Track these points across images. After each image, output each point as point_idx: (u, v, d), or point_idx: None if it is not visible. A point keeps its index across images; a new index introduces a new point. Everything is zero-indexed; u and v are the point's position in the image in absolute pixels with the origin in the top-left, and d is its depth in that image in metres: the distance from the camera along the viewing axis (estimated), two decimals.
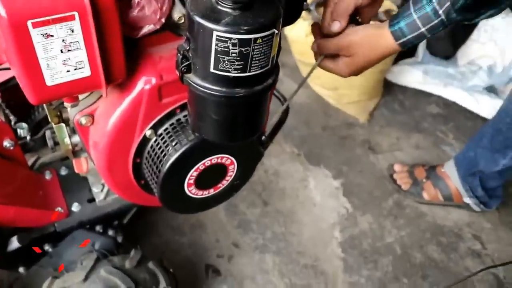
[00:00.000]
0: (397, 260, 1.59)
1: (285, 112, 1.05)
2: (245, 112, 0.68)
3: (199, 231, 1.59)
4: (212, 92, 0.63)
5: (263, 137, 0.90)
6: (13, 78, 1.22)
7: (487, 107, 2.07)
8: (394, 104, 2.16)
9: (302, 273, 1.53)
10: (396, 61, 2.22)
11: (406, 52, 2.07)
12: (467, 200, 1.71)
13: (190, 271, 1.48)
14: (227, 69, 0.59)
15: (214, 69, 0.60)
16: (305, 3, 0.87)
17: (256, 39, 0.57)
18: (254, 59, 0.59)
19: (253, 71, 0.61)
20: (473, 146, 1.64)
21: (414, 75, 2.24)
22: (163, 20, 0.72)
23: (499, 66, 2.17)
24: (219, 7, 0.58)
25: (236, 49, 0.57)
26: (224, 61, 0.59)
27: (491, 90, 2.17)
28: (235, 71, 0.60)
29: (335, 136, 1.99)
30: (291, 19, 0.84)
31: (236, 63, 0.59)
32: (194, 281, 1.46)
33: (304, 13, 2.01)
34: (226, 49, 0.57)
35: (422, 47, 2.28)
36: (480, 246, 1.67)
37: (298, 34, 2.01)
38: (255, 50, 0.58)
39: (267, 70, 0.63)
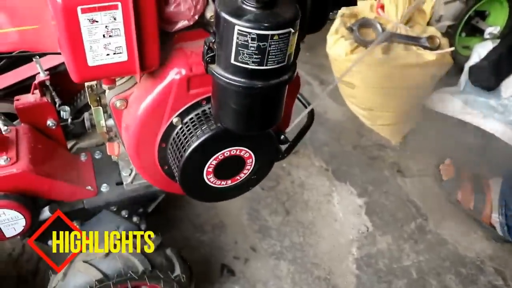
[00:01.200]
0: (411, 284, 1.59)
1: (310, 117, 1.09)
2: (261, 103, 0.74)
3: (219, 231, 1.65)
4: (232, 82, 0.69)
5: (282, 136, 0.95)
6: (62, 64, 1.33)
7: None
8: (430, 131, 2.17)
9: (314, 284, 1.55)
10: (437, 88, 2.23)
11: (448, 80, 2.09)
12: (495, 218, 1.68)
13: (205, 268, 1.54)
14: (246, 61, 0.65)
15: (234, 60, 0.66)
16: (331, 12, 0.91)
17: (273, 35, 0.63)
18: (270, 54, 0.65)
19: (269, 65, 0.66)
20: None
21: (454, 104, 2.25)
22: (196, 17, 0.79)
23: None
24: (243, 5, 0.64)
25: (254, 43, 0.63)
26: (243, 54, 0.65)
27: None
28: (253, 64, 0.66)
29: (365, 155, 2.02)
30: (316, 26, 0.88)
31: (254, 56, 0.65)
32: (208, 277, 1.52)
33: (346, 32, 2.07)
34: (245, 43, 0.63)
35: (464, 76, 2.29)
36: (502, 282, 1.65)
37: (339, 53, 2.06)
38: (272, 46, 0.64)
39: (283, 66, 0.68)
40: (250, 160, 0.94)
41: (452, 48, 2.06)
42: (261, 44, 0.63)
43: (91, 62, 0.76)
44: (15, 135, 1.13)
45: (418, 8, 2.25)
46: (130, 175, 1.20)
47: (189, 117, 0.88)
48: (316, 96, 2.31)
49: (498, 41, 2.33)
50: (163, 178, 1.02)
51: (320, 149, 2.00)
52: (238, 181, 0.98)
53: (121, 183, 1.21)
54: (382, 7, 2.14)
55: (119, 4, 0.71)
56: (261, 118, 0.77)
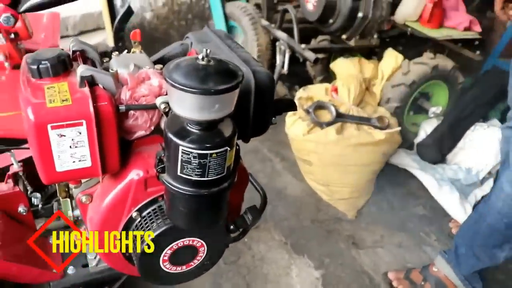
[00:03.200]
0: None
1: (263, 202, 1.20)
2: (205, 207, 0.86)
3: None
4: (179, 190, 0.81)
5: (231, 226, 1.07)
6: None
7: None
8: (383, 203, 2.31)
9: None
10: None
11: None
12: None
13: None
14: (190, 174, 0.78)
15: (180, 173, 0.79)
16: (273, 119, 1.04)
17: (211, 154, 0.76)
18: (211, 168, 0.78)
19: (210, 177, 0.79)
20: (464, 244, 1.73)
21: (410, 161, 2.42)
22: (152, 128, 0.92)
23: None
24: (187, 127, 0.77)
25: (196, 160, 0.76)
26: (187, 168, 0.77)
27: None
28: (196, 176, 0.78)
29: (322, 229, 2.14)
30: (259, 132, 1.02)
31: (197, 170, 0.77)
32: None
33: (303, 114, 2.24)
34: (188, 159, 0.76)
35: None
36: None
37: (296, 132, 2.22)
38: (212, 162, 0.77)
39: (223, 176, 0.81)
40: (203, 248, 1.05)
41: (399, 128, 2.25)
42: (201, 160, 0.76)
43: (59, 168, 0.88)
44: None
45: (369, 91, 2.46)
46: (95, 258, 1.28)
47: (147, 211, 0.99)
48: (277, 172, 2.45)
49: (442, 118, 2.54)
50: (123, 263, 1.11)
51: (280, 224, 2.11)
52: (192, 266, 1.08)
53: (87, 265, 1.30)
54: (336, 90, 2.34)
55: (84, 121, 0.84)
56: (206, 218, 0.89)
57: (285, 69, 2.48)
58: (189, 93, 0.69)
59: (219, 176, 0.80)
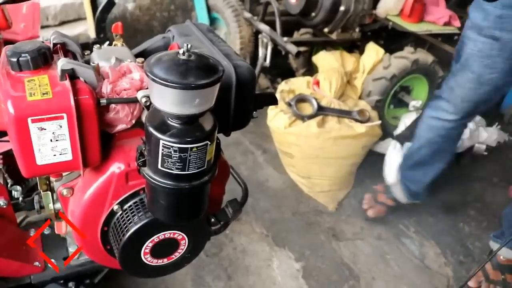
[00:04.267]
0: None
1: (244, 195, 1.22)
2: (186, 200, 0.87)
3: None
4: (160, 184, 0.82)
5: (212, 219, 1.08)
6: None
7: None
8: (363, 196, 2.35)
9: None
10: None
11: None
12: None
13: None
14: (171, 167, 0.79)
15: (161, 166, 0.79)
16: (254, 112, 1.05)
17: (192, 148, 0.77)
18: (191, 162, 0.78)
19: (191, 171, 0.80)
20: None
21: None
22: (133, 122, 0.92)
23: None
24: (168, 121, 0.78)
25: (177, 154, 0.77)
26: (168, 162, 0.78)
27: None
28: (177, 170, 0.79)
29: (303, 221, 2.16)
30: (240, 125, 1.03)
31: (177, 164, 0.78)
32: None
33: (285, 107, 2.25)
34: (169, 153, 0.77)
35: None
36: None
37: (278, 125, 2.24)
38: (192, 156, 0.78)
39: (203, 170, 0.82)
40: (184, 241, 1.06)
41: (379, 122, 2.27)
42: (182, 154, 0.77)
43: (39, 162, 0.88)
44: None
45: (350, 84, 2.48)
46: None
47: (128, 204, 0.99)
48: (259, 165, 2.47)
49: (421, 111, 2.58)
50: (105, 256, 1.12)
51: (261, 216, 2.13)
52: (174, 259, 1.09)
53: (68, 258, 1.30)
54: (318, 83, 2.36)
55: (65, 115, 0.84)
56: (187, 211, 0.90)
57: (267, 62, 2.49)
58: (169, 87, 0.70)
59: (199, 169, 0.81)
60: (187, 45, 0.73)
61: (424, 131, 2.00)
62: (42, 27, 2.81)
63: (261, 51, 2.53)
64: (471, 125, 2.40)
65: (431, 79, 2.70)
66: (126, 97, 0.90)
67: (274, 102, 1.10)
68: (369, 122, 2.29)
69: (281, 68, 3.14)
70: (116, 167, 0.96)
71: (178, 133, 0.77)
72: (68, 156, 0.89)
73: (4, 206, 1.29)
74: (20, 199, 1.33)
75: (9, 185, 1.31)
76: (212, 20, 3.21)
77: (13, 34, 2.24)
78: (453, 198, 2.42)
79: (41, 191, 1.14)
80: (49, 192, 1.13)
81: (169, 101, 0.72)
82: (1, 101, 0.84)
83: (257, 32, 2.77)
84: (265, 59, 2.49)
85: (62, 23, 3.31)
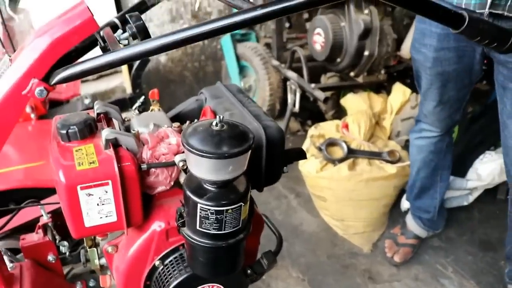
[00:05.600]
0: None
1: (279, 244, 1.27)
2: (223, 257, 0.92)
3: None
4: (198, 243, 0.88)
5: (248, 271, 1.13)
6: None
7: None
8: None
9: None
10: None
11: None
12: None
13: None
14: (208, 228, 0.85)
15: (199, 227, 0.86)
16: (284, 168, 1.11)
17: (227, 210, 0.83)
18: (227, 222, 0.85)
19: (227, 230, 0.86)
20: None
21: None
22: (172, 183, 0.99)
23: None
24: (204, 185, 0.85)
25: (213, 216, 0.83)
26: (205, 223, 0.84)
27: None
28: (214, 230, 0.85)
29: (339, 264, 2.18)
30: (271, 181, 1.09)
31: (214, 224, 0.84)
32: None
33: (315, 151, 2.30)
34: (206, 215, 0.83)
35: None
36: None
37: (310, 170, 2.28)
38: (227, 217, 0.84)
39: (238, 228, 0.88)
40: None
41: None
42: (218, 216, 0.83)
43: (87, 224, 0.95)
44: (19, 271, 1.30)
45: (379, 125, 2.52)
46: None
47: (169, 260, 1.05)
48: (292, 209, 2.51)
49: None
50: None
51: (297, 260, 2.16)
52: None
53: None
54: (347, 126, 2.40)
55: (110, 181, 0.91)
56: (224, 267, 0.95)
57: (297, 108, 2.56)
58: (205, 157, 0.77)
59: (235, 228, 0.87)
60: (220, 117, 0.81)
61: (415, 154, 2.11)
62: (82, 81, 2.97)
63: (290, 97, 2.61)
64: (501, 160, 2.39)
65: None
66: (165, 162, 0.97)
67: (303, 157, 1.16)
68: (400, 163, 2.31)
69: (310, 111, 3.21)
70: (157, 225, 1.02)
71: (214, 196, 0.83)
72: (113, 218, 0.96)
73: (53, 261, 1.37)
74: (67, 253, 1.41)
75: (57, 241, 1.39)
76: (242, 68, 3.33)
77: (57, 93, 2.40)
78: (491, 235, 2.39)
79: (87, 247, 1.22)
80: (94, 249, 1.21)
81: (205, 169, 0.79)
82: (53, 171, 0.93)
83: (285, 78, 2.86)
84: (294, 105, 2.57)
85: (100, 77, 3.49)
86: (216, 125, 0.80)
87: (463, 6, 1.47)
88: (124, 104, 2.44)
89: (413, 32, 1.85)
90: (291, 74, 2.64)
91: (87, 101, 2.27)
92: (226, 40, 3.32)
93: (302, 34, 3.58)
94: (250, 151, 0.81)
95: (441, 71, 1.77)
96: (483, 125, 2.63)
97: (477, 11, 1.45)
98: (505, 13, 1.42)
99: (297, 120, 3.33)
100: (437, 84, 1.82)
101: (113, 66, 0.89)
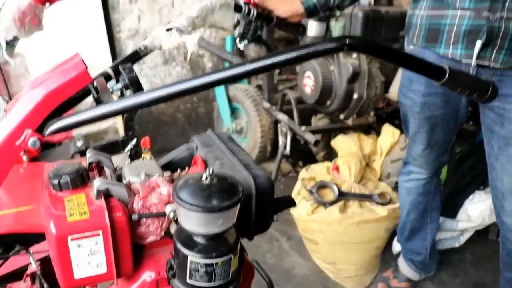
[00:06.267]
0: None
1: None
2: None
3: None
4: None
5: None
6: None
7: None
8: (389, 279, 2.33)
9: None
10: None
11: None
12: None
13: None
14: (198, 280, 0.85)
15: (189, 279, 0.86)
16: (275, 216, 1.12)
17: (217, 262, 0.83)
18: (217, 274, 0.85)
19: (217, 282, 0.86)
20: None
21: None
22: (162, 233, 1.00)
23: None
24: (194, 237, 0.85)
25: (203, 268, 0.83)
26: (195, 275, 0.84)
27: None
28: (204, 282, 0.85)
29: None
30: (261, 229, 1.09)
31: (204, 277, 0.84)
32: None
33: (306, 194, 2.31)
34: (196, 268, 0.83)
35: None
36: None
37: (301, 213, 2.29)
38: (217, 269, 0.84)
39: (228, 280, 0.88)
40: None
41: None
42: (208, 269, 0.83)
43: (77, 276, 0.95)
44: None
45: (369, 166, 2.54)
46: None
47: None
48: (284, 252, 2.49)
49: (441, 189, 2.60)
50: None
51: None
52: None
53: None
54: (337, 169, 2.42)
55: (100, 231, 0.92)
56: None
57: (288, 150, 2.59)
58: (195, 211, 0.77)
59: (225, 280, 0.87)
60: (210, 170, 0.82)
61: (404, 197, 2.13)
62: None
63: (281, 140, 2.63)
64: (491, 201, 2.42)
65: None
66: (156, 212, 0.98)
67: (293, 205, 1.17)
68: (391, 204, 2.32)
69: (302, 152, 3.24)
70: (147, 276, 1.02)
71: (204, 249, 0.84)
72: (103, 269, 0.96)
73: None
74: None
75: None
76: (233, 110, 3.37)
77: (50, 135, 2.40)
78: (484, 277, 2.39)
79: None
80: None
81: (194, 222, 0.80)
82: (44, 220, 0.93)
83: (276, 120, 2.90)
84: (285, 147, 2.60)
85: None
86: (206, 178, 0.81)
87: (449, 56, 1.52)
88: (116, 147, 2.45)
89: (400, 77, 1.90)
90: (281, 116, 2.67)
91: (79, 143, 2.27)
92: None
93: (292, 75, 3.65)
94: (239, 204, 0.82)
95: (429, 115, 1.80)
96: (471, 165, 2.66)
97: (463, 61, 1.50)
98: (491, 64, 1.46)
99: (289, 161, 3.35)
100: (425, 128, 1.86)
101: (105, 117, 0.91)
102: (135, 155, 2.43)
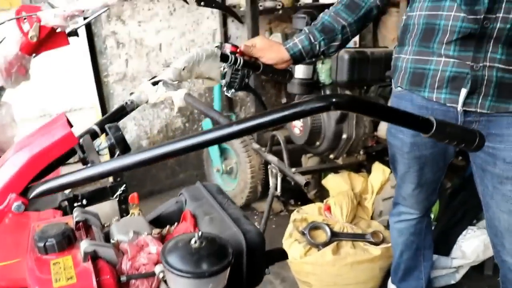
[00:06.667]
0: None
1: None
2: None
3: None
4: None
5: None
6: None
7: None
8: None
9: None
10: None
11: None
12: None
13: None
14: None
15: None
16: (266, 269, 1.11)
17: None
18: None
19: None
20: None
21: None
22: None
23: None
24: None
25: None
26: None
27: None
28: None
29: None
30: (253, 284, 1.07)
31: None
32: None
33: (299, 236, 2.29)
34: None
35: None
36: None
37: (294, 255, 2.26)
38: None
39: None
40: None
41: None
42: None
43: None
44: None
45: (361, 205, 2.53)
46: None
47: None
48: None
49: (434, 224, 2.60)
50: None
51: None
52: None
53: None
54: (329, 209, 2.41)
55: None
56: None
57: (278, 191, 2.56)
58: (184, 277, 0.76)
59: None
60: (198, 234, 0.81)
61: (396, 237, 2.12)
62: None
63: (271, 181, 2.62)
64: (485, 237, 2.41)
65: (440, 191, 2.74)
66: (145, 273, 0.96)
67: (285, 257, 1.16)
68: (384, 244, 2.31)
69: (293, 191, 3.22)
70: None
71: None
72: None
73: None
74: None
75: None
76: (223, 151, 3.36)
77: None
78: None
79: None
80: None
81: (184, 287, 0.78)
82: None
83: (266, 161, 2.89)
84: (276, 189, 2.58)
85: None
86: (195, 242, 0.80)
87: (434, 100, 1.54)
88: (105, 193, 2.42)
89: None
90: (271, 158, 2.66)
91: (67, 191, 2.24)
92: (207, 123, 3.38)
93: None
94: (229, 267, 0.80)
95: (418, 155, 1.81)
96: (462, 200, 2.66)
97: (448, 104, 1.51)
98: (478, 110, 1.48)
99: (280, 200, 3.33)
100: (415, 168, 1.86)
101: (91, 180, 0.90)
102: (124, 201, 2.40)
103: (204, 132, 0.81)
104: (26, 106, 2.98)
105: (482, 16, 1.38)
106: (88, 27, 3.10)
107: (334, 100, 0.79)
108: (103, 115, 3.31)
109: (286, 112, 0.77)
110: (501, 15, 1.36)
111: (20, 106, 2.14)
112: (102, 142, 1.07)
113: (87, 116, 3.53)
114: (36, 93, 2.95)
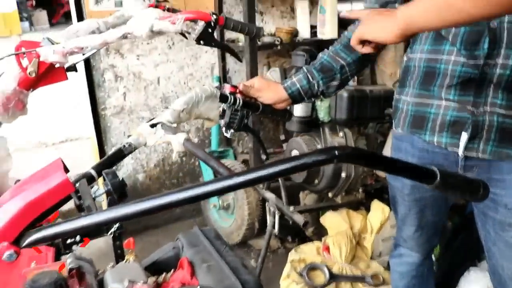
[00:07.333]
0: None
1: None
2: None
3: None
4: None
5: None
6: None
7: None
8: None
9: None
10: None
11: None
12: None
13: None
14: None
15: None
16: None
17: None
18: None
19: None
20: None
21: None
22: None
23: None
24: None
25: None
26: None
27: None
28: None
29: None
30: None
31: None
32: None
33: (296, 277, 2.24)
34: None
35: None
36: None
37: None
38: None
39: None
40: None
41: None
42: None
43: None
44: None
45: (360, 244, 2.50)
46: None
47: None
48: None
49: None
50: None
51: None
52: None
53: None
54: (328, 249, 2.37)
55: None
56: None
57: (276, 230, 2.53)
58: None
59: None
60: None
61: (397, 281, 2.06)
62: None
63: (269, 219, 2.59)
64: (487, 280, 2.36)
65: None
66: None
67: None
68: (384, 286, 2.26)
69: (290, 228, 3.17)
70: None
71: None
72: None
73: None
74: None
75: None
76: None
77: None
78: None
79: None
80: None
81: None
82: None
83: (264, 198, 2.86)
84: (273, 227, 2.54)
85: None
86: None
87: (435, 144, 1.52)
88: (100, 229, 2.39)
89: (390, 154, 1.89)
90: (269, 195, 2.64)
91: None
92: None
93: (279, 148, 3.66)
94: None
95: (419, 197, 1.78)
96: (464, 240, 2.62)
97: (449, 148, 1.50)
98: (480, 156, 1.46)
99: (277, 237, 3.28)
100: (415, 210, 1.83)
101: (87, 229, 0.87)
102: (118, 237, 2.37)
103: (204, 183, 0.79)
104: (22, 135, 2.96)
105: (482, 62, 1.37)
106: (87, 60, 3.10)
107: (337, 152, 0.77)
108: (99, 147, 3.30)
109: (288, 165, 0.75)
110: (500, 61, 1.36)
111: (17, 135, 2.12)
112: (99, 188, 1.05)
113: (83, 147, 3.50)
114: (33, 123, 2.94)
